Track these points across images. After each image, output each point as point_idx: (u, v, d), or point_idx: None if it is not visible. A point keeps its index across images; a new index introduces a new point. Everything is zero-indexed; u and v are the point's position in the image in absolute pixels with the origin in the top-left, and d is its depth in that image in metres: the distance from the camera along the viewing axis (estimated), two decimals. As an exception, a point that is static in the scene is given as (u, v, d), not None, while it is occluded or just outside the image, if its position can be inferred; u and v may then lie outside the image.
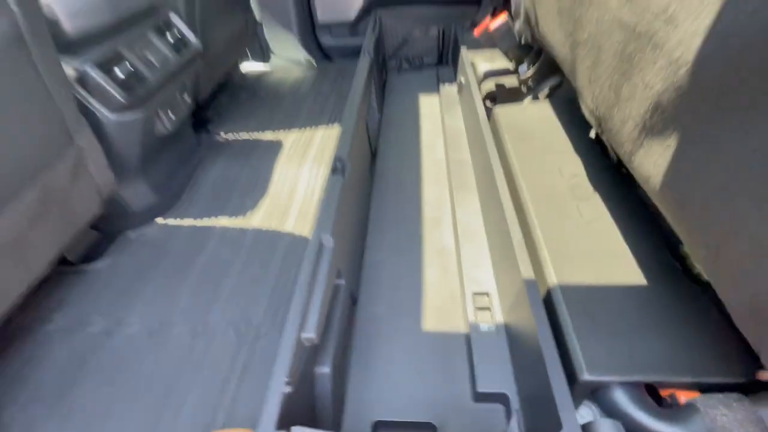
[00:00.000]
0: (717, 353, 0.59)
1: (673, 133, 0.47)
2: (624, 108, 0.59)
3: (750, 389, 0.55)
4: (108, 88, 0.93)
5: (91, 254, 1.13)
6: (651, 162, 0.54)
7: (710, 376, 0.57)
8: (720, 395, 0.55)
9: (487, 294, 0.87)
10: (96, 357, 0.86)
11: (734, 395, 0.54)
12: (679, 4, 0.42)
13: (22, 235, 0.75)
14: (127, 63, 0.98)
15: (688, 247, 0.51)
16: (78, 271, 1.08)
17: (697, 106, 0.42)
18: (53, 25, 0.82)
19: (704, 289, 0.66)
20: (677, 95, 0.44)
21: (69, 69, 0.87)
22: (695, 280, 0.68)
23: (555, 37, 0.90)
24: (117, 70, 0.96)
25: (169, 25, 1.18)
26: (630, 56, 0.54)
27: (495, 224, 0.91)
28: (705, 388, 0.58)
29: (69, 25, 0.84)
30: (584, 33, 0.70)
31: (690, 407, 0.54)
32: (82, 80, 0.91)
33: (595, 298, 0.68)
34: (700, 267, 0.62)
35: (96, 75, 0.91)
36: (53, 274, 1.05)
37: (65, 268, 1.07)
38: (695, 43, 0.40)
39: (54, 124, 0.79)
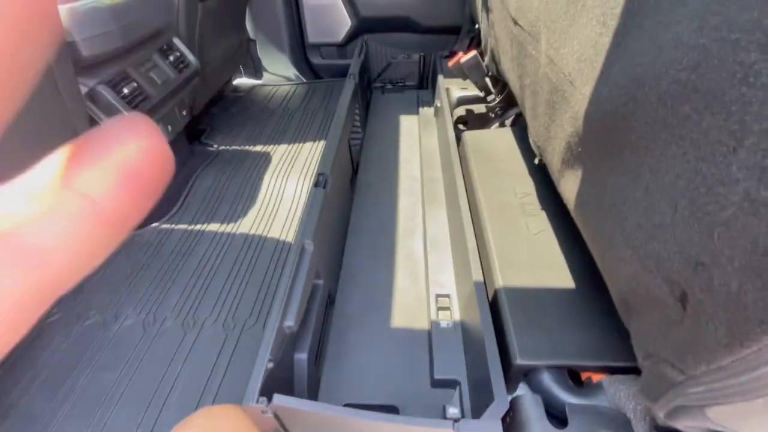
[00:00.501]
0: (623, 343, 0.72)
1: (579, 168, 0.61)
2: (552, 144, 0.74)
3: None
4: (115, 104, 1.04)
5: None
6: (568, 188, 0.68)
7: (618, 361, 0.71)
8: (621, 376, 0.68)
9: (447, 296, 0.99)
10: (94, 346, 0.95)
11: (632, 376, 0.67)
12: (577, 73, 0.57)
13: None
14: (134, 82, 1.09)
15: (592, 253, 0.65)
16: (75, 269, 1.16)
17: (588, 150, 0.56)
18: (72, 48, 0.93)
19: (619, 292, 0.80)
20: (579, 140, 0.59)
21: (82, 87, 0.98)
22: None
23: (510, 75, 1.05)
24: (124, 88, 1.07)
25: (171, 47, 1.30)
26: (553, 104, 0.69)
27: (456, 234, 1.04)
28: (613, 371, 0.71)
29: (85, 50, 0.94)
30: (527, 79, 0.85)
31: (597, 386, 0.67)
32: (93, 97, 1.01)
33: (532, 298, 0.81)
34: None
35: (105, 93, 1.01)
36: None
37: (63, 267, 1.15)
38: (585, 103, 0.54)
39: (68, 136, 0.89)
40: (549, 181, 1.09)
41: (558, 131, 0.69)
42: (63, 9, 0.90)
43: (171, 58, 1.28)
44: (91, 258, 0.11)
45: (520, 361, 0.71)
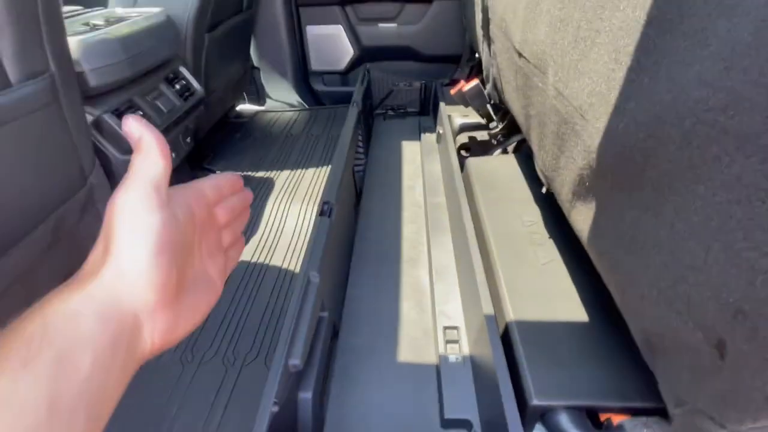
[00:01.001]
0: (646, 381, 0.69)
1: (592, 200, 0.60)
2: (561, 174, 0.73)
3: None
4: (120, 132, 1.03)
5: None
6: (581, 220, 0.66)
7: (639, 402, 0.68)
8: (644, 418, 0.65)
9: (456, 328, 0.96)
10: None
11: (655, 418, 0.64)
12: (589, 107, 0.57)
13: (33, 267, 0.82)
14: (139, 111, 1.10)
15: (609, 289, 0.63)
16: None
17: (603, 183, 0.55)
18: (80, 79, 0.94)
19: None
20: (592, 173, 0.58)
21: (88, 116, 0.98)
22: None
23: (514, 105, 1.06)
24: (129, 117, 1.07)
25: (177, 76, 1.31)
26: (562, 136, 0.69)
27: (463, 264, 1.02)
28: (635, 412, 0.68)
29: (93, 80, 0.95)
30: (533, 110, 0.85)
31: (618, 428, 0.64)
32: (98, 125, 1.01)
33: (546, 333, 0.78)
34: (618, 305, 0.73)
35: (111, 121, 1.01)
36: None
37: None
38: (599, 137, 0.54)
39: (73, 165, 0.88)
40: (556, 210, 1.08)
41: (568, 163, 0.68)
42: (73, 40, 0.91)
43: (177, 86, 1.29)
44: None
45: (536, 401, 0.68)
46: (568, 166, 0.68)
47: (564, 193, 0.74)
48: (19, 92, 0.71)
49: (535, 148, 0.91)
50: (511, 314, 0.82)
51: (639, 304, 0.48)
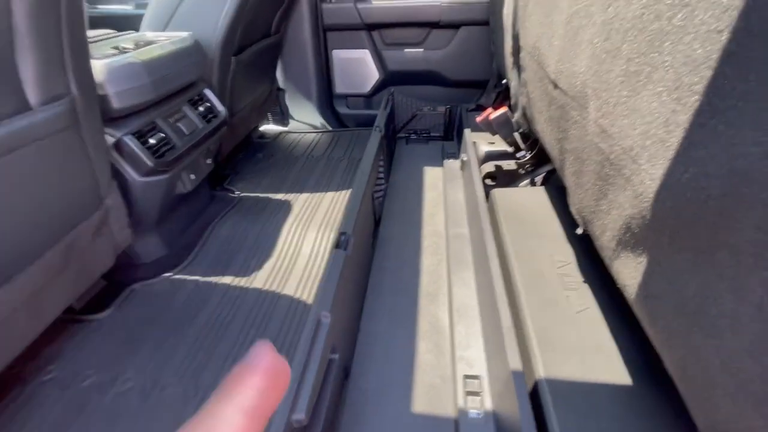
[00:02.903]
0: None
1: (642, 254, 0.52)
2: (603, 218, 0.66)
3: None
4: (140, 154, 1.03)
5: (97, 303, 1.16)
6: (626, 274, 0.59)
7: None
8: None
9: (477, 377, 0.88)
10: (86, 415, 0.87)
11: None
12: (641, 149, 0.50)
13: (42, 288, 0.80)
14: (161, 133, 1.09)
15: (663, 360, 0.54)
16: (81, 320, 1.11)
17: (658, 237, 0.47)
18: (102, 101, 0.94)
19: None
20: (643, 223, 0.50)
21: (109, 138, 0.97)
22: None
23: (547, 137, 0.99)
24: (150, 138, 1.07)
25: (202, 98, 1.32)
26: (606, 177, 0.62)
27: (487, 305, 0.94)
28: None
29: (117, 102, 0.95)
30: (570, 144, 0.78)
31: None
32: (118, 147, 1.01)
33: (581, 395, 0.69)
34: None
35: (131, 143, 1.01)
36: (56, 322, 1.08)
37: (68, 316, 1.10)
38: (655, 185, 0.47)
39: (89, 188, 0.87)
40: (591, 252, 0.99)
41: (611, 207, 0.61)
42: (98, 64, 0.92)
43: (201, 108, 1.30)
44: None
45: (571, 479, 0.59)
46: (611, 211, 0.61)
47: (605, 239, 0.66)
48: (38, 115, 0.70)
49: (570, 184, 0.84)
50: (542, 370, 0.73)
51: (709, 392, 0.40)
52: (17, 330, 0.76)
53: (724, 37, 0.36)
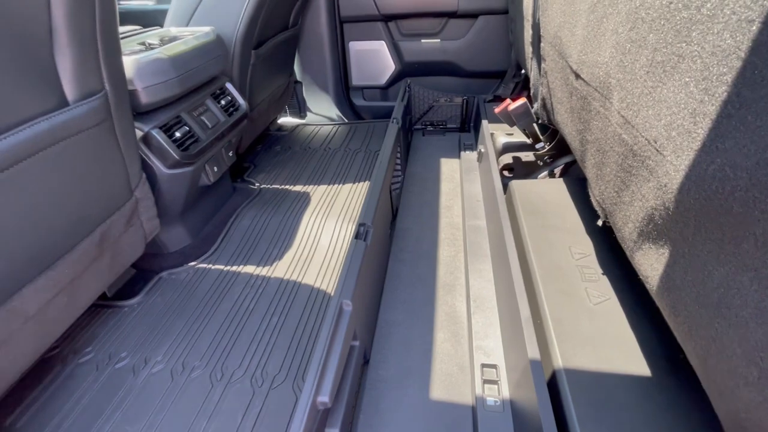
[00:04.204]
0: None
1: (665, 245, 0.53)
2: (625, 210, 0.66)
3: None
4: (167, 147, 1.06)
5: (127, 290, 1.22)
6: (648, 265, 0.59)
7: (713, 479, 0.58)
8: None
9: (495, 366, 0.89)
10: (121, 394, 0.92)
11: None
12: (666, 141, 0.50)
13: (78, 276, 0.85)
14: (186, 126, 1.12)
15: (685, 350, 0.54)
16: (113, 306, 1.16)
17: (682, 229, 0.48)
18: (133, 96, 0.97)
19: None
20: (666, 214, 0.50)
21: (138, 131, 1.01)
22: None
23: (567, 128, 0.98)
24: (176, 132, 1.10)
25: (223, 92, 1.35)
26: (629, 169, 0.61)
27: (505, 297, 0.95)
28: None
29: (145, 97, 0.99)
30: (591, 135, 0.78)
31: None
32: (146, 140, 1.04)
33: (598, 384, 0.70)
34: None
35: (158, 136, 1.04)
36: (91, 308, 1.14)
37: (101, 303, 1.16)
38: (679, 176, 0.47)
39: (121, 179, 0.91)
40: (610, 243, 0.99)
41: (634, 199, 0.61)
42: (128, 60, 0.95)
43: (222, 102, 1.33)
44: None
45: (588, 466, 0.60)
46: (634, 203, 0.61)
47: (627, 231, 0.66)
48: (75, 111, 0.73)
49: (591, 176, 0.84)
50: (559, 361, 0.74)
51: (728, 380, 0.40)
52: (59, 313, 0.81)
53: (755, 27, 0.35)
